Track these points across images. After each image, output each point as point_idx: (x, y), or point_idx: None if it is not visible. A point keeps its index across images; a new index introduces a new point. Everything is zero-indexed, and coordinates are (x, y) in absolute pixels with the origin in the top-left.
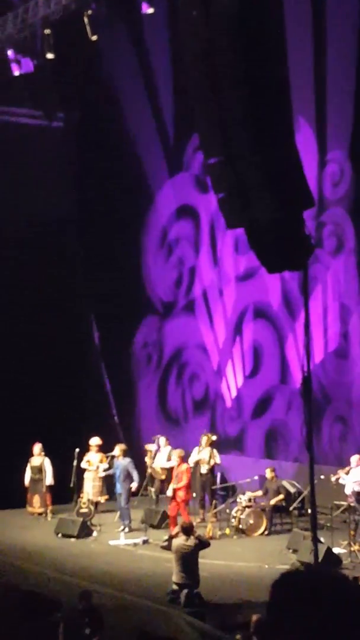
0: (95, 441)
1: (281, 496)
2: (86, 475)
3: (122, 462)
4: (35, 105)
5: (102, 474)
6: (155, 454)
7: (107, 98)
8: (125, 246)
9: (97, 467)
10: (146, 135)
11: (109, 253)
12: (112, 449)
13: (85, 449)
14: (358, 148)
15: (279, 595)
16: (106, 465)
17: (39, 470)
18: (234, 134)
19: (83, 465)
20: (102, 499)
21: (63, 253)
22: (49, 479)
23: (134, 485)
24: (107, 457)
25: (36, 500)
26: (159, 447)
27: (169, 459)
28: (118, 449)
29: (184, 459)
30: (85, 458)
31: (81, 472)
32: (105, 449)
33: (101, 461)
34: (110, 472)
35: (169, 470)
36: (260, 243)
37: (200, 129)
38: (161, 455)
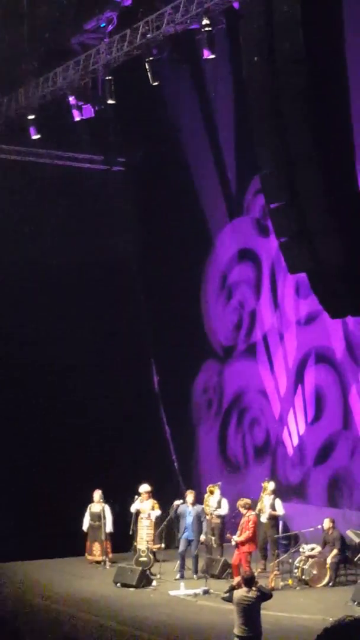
0: (144, 488)
1: (335, 551)
2: (140, 523)
3: (195, 509)
4: (96, 150)
5: (148, 522)
6: (207, 499)
7: (169, 141)
8: (186, 290)
9: (149, 515)
10: (207, 179)
11: (169, 297)
12: (172, 495)
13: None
14: None
15: None
16: (159, 512)
17: (99, 517)
18: (296, 177)
19: (132, 509)
20: (155, 548)
21: (124, 297)
22: (108, 527)
23: (203, 537)
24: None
25: (96, 548)
26: (212, 492)
27: (218, 506)
28: (191, 496)
29: (250, 508)
30: (135, 506)
31: (136, 519)
32: (166, 495)
33: (152, 508)
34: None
35: (223, 518)
36: (323, 287)
37: (262, 174)
38: (212, 500)
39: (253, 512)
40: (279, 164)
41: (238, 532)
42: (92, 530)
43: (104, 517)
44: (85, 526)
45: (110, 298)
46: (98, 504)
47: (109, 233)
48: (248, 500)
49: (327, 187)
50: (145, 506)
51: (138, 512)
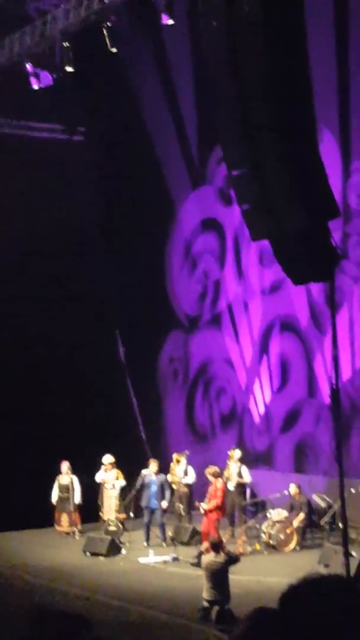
0: (108, 459)
1: (302, 516)
2: (105, 494)
3: (159, 478)
4: (56, 119)
5: (117, 492)
6: (173, 468)
7: (129, 110)
8: (150, 261)
9: (114, 485)
10: (169, 148)
11: (133, 268)
12: (139, 465)
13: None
14: None
15: (291, 609)
16: (123, 482)
17: (67, 488)
18: (257, 145)
19: (97, 480)
20: (122, 517)
21: (87, 268)
22: (77, 498)
23: (165, 504)
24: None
25: (64, 519)
26: (178, 461)
27: (185, 475)
28: (154, 465)
29: (218, 475)
30: (99, 476)
31: (102, 490)
32: (133, 465)
33: (117, 478)
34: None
35: (190, 486)
36: (286, 254)
37: (223, 141)
38: (179, 469)
39: (221, 480)
40: (240, 131)
41: (206, 500)
42: (60, 501)
43: (73, 489)
44: (53, 498)
45: (73, 269)
46: (66, 476)
47: (71, 203)
48: (216, 468)
49: (288, 154)
50: (109, 477)
51: (103, 483)
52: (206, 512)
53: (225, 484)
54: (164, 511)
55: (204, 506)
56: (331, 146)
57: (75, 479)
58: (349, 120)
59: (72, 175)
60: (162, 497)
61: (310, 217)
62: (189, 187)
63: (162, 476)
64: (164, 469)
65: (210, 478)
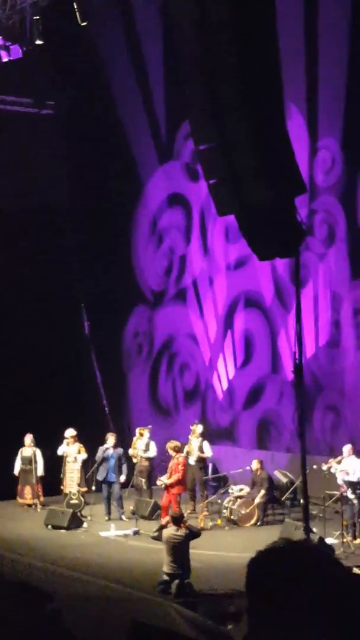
0: (70, 432)
1: (263, 491)
2: (67, 467)
3: (117, 452)
4: (25, 92)
5: (79, 465)
6: (135, 442)
7: (98, 85)
8: (116, 235)
9: (75, 459)
10: (136, 123)
11: (99, 242)
12: (102, 439)
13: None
14: (349, 136)
15: (258, 575)
16: (85, 456)
17: (30, 461)
18: (225, 120)
19: (59, 453)
20: (83, 491)
21: (53, 242)
22: (40, 470)
23: (122, 478)
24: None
25: (27, 491)
26: (142, 435)
27: (146, 450)
28: (112, 439)
29: (180, 450)
30: (61, 449)
31: (64, 463)
32: (96, 439)
33: (79, 452)
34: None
35: (151, 460)
36: (252, 230)
37: (191, 115)
38: (141, 443)
39: (182, 455)
40: (208, 106)
41: (167, 474)
42: (23, 473)
43: (35, 461)
44: (16, 470)
45: (39, 243)
46: (29, 448)
47: (37, 176)
48: (177, 443)
49: (256, 129)
50: (71, 450)
51: (65, 456)
52: (167, 487)
53: (186, 458)
54: (123, 485)
55: (164, 480)
56: (298, 123)
57: (38, 452)
58: (317, 98)
59: (40, 149)
60: (120, 471)
61: (277, 193)
62: (156, 162)
63: (119, 450)
64: (127, 443)
65: (172, 452)
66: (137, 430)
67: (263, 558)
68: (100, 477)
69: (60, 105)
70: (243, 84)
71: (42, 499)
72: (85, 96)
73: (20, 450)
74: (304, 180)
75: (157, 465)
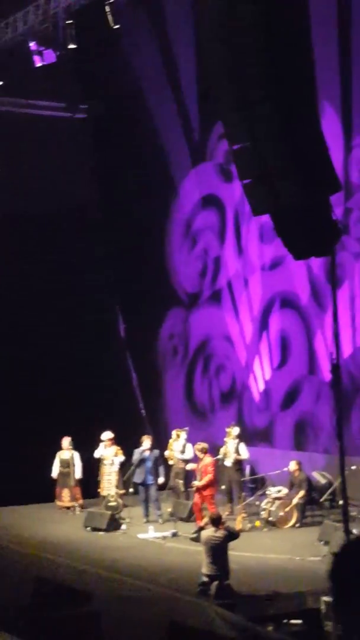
0: (107, 435)
1: (302, 493)
2: (104, 470)
3: (154, 454)
4: (58, 97)
5: (116, 468)
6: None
7: (130, 88)
8: (150, 237)
9: (113, 461)
10: (169, 125)
11: (133, 245)
12: (138, 442)
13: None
14: None
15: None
16: (122, 458)
17: (68, 464)
18: (258, 119)
19: (96, 456)
20: (121, 493)
21: (88, 246)
22: (77, 473)
23: (161, 480)
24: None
25: (65, 494)
26: (178, 436)
27: (183, 451)
28: (148, 441)
29: (209, 452)
30: (98, 452)
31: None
32: (133, 441)
33: (116, 454)
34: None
35: (188, 462)
36: (287, 229)
37: (224, 116)
38: (177, 445)
39: (210, 456)
40: (241, 105)
41: (198, 476)
42: (61, 476)
43: (73, 464)
44: (54, 473)
45: (74, 246)
46: (67, 451)
47: (71, 181)
48: (205, 445)
49: (290, 128)
50: (108, 453)
51: (102, 459)
52: (199, 489)
53: (218, 459)
54: (160, 487)
55: (196, 483)
56: (333, 122)
57: (76, 455)
58: (351, 96)
59: (73, 153)
60: (157, 473)
61: (312, 192)
62: (189, 164)
63: (156, 452)
64: (163, 445)
65: (199, 454)
66: (174, 432)
67: (348, 550)
68: (137, 479)
69: (93, 109)
70: (276, 82)
71: (80, 501)
72: (118, 99)
73: (58, 453)
74: (339, 178)
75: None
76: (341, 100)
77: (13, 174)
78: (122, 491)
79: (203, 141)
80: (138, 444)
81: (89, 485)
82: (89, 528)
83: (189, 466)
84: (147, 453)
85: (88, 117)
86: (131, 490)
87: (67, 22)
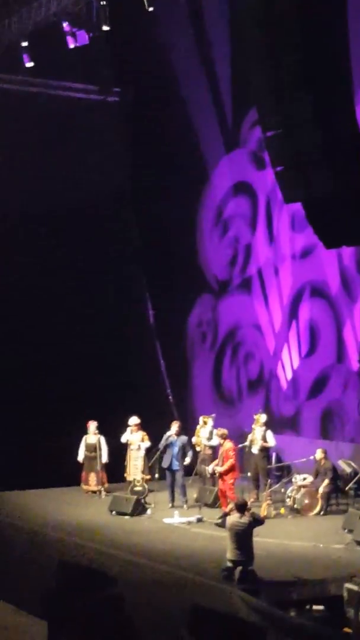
0: (134, 420)
1: (327, 481)
2: (130, 455)
3: (181, 439)
4: (90, 79)
5: (142, 453)
6: (199, 430)
7: (164, 72)
8: (181, 224)
9: (139, 446)
10: (203, 111)
11: (164, 231)
12: (165, 428)
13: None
14: None
15: None
16: (148, 444)
17: (95, 448)
18: (292, 106)
19: (123, 440)
20: (147, 478)
21: (118, 231)
22: (104, 457)
23: (187, 460)
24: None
25: (92, 478)
26: (205, 423)
27: (209, 438)
28: (175, 427)
29: (236, 439)
30: (125, 437)
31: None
32: (161, 427)
33: (142, 440)
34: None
35: (215, 449)
36: (318, 217)
37: (258, 102)
38: (204, 431)
39: (230, 441)
40: (276, 92)
41: (219, 462)
42: (87, 460)
43: (100, 449)
44: (80, 457)
45: (104, 232)
46: (94, 435)
47: (103, 165)
48: (225, 430)
49: (322, 115)
50: (134, 438)
51: (129, 444)
52: (221, 475)
53: (245, 446)
54: (186, 472)
55: (218, 469)
56: None
57: (103, 439)
58: None
59: (105, 136)
60: (183, 459)
61: (344, 180)
62: (222, 150)
63: (183, 437)
64: (190, 431)
65: (220, 440)
66: (201, 419)
67: None
68: (164, 464)
69: (126, 93)
70: (310, 69)
71: (106, 485)
72: (151, 84)
73: (85, 437)
74: None
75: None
76: None
77: (44, 158)
78: (148, 476)
79: (236, 128)
80: (165, 430)
81: (115, 470)
82: (114, 512)
83: (213, 469)
84: (173, 438)
85: (120, 101)
86: (157, 475)
87: (101, 2)
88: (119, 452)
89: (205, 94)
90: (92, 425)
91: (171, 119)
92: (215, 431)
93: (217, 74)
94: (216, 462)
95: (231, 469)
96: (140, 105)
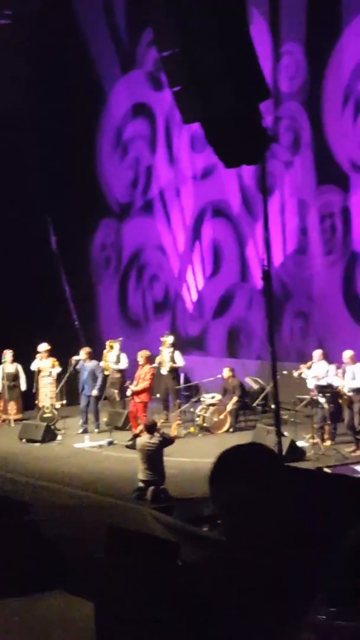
0: (43, 347)
1: (235, 398)
2: (41, 382)
3: (89, 365)
4: None
5: (51, 380)
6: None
7: None
8: (80, 147)
9: (50, 373)
10: (98, 32)
11: (63, 154)
12: (74, 353)
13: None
14: (312, 41)
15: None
16: (59, 370)
17: (15, 377)
18: (188, 25)
19: (33, 368)
20: (59, 404)
21: (17, 156)
22: (23, 385)
23: (95, 392)
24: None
25: (11, 407)
26: (112, 347)
27: (117, 362)
28: (83, 353)
29: (149, 360)
30: (35, 364)
31: (37, 378)
32: (69, 353)
33: (52, 366)
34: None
35: (123, 372)
36: (217, 137)
37: (154, 21)
38: (111, 355)
39: (149, 365)
40: (170, 11)
41: (135, 382)
42: (8, 390)
43: (19, 377)
44: None
45: (3, 155)
46: (11, 364)
47: None
48: (149, 353)
49: (219, 34)
50: (45, 364)
51: (39, 371)
52: (134, 396)
53: (157, 369)
54: (97, 398)
55: (132, 388)
56: (261, 28)
57: (20, 367)
58: (279, 2)
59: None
60: (93, 384)
61: (241, 98)
62: (119, 71)
63: (92, 362)
64: (99, 356)
65: (141, 360)
66: (107, 343)
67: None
68: (80, 388)
69: (18, 14)
70: None
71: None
72: (45, 5)
73: (2, 367)
74: (268, 85)
75: (129, 377)
76: (269, 7)
77: None
78: (60, 402)
79: (132, 48)
80: (72, 355)
81: (24, 398)
82: (24, 440)
83: (129, 389)
84: (83, 363)
85: (13, 22)
86: (64, 401)
87: None
88: (29, 380)
89: (101, 14)
90: (9, 354)
91: (66, 40)
92: (122, 355)
93: None
94: (128, 382)
95: (144, 391)
96: (34, 27)
